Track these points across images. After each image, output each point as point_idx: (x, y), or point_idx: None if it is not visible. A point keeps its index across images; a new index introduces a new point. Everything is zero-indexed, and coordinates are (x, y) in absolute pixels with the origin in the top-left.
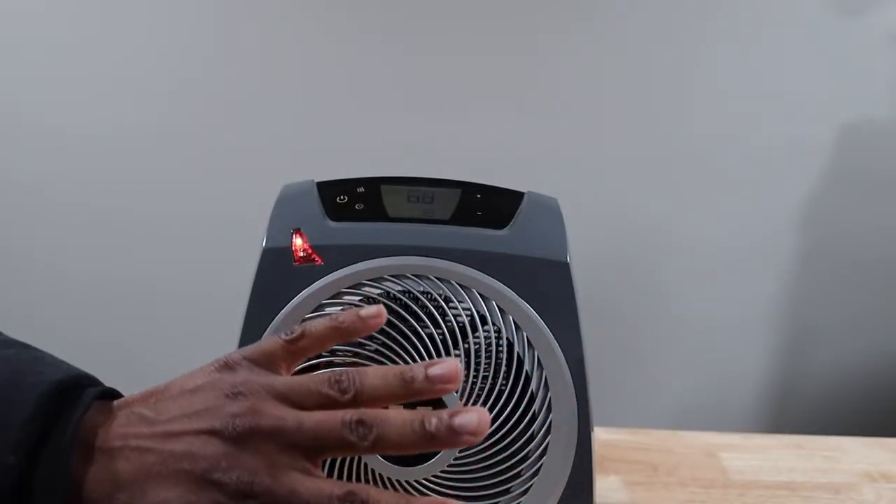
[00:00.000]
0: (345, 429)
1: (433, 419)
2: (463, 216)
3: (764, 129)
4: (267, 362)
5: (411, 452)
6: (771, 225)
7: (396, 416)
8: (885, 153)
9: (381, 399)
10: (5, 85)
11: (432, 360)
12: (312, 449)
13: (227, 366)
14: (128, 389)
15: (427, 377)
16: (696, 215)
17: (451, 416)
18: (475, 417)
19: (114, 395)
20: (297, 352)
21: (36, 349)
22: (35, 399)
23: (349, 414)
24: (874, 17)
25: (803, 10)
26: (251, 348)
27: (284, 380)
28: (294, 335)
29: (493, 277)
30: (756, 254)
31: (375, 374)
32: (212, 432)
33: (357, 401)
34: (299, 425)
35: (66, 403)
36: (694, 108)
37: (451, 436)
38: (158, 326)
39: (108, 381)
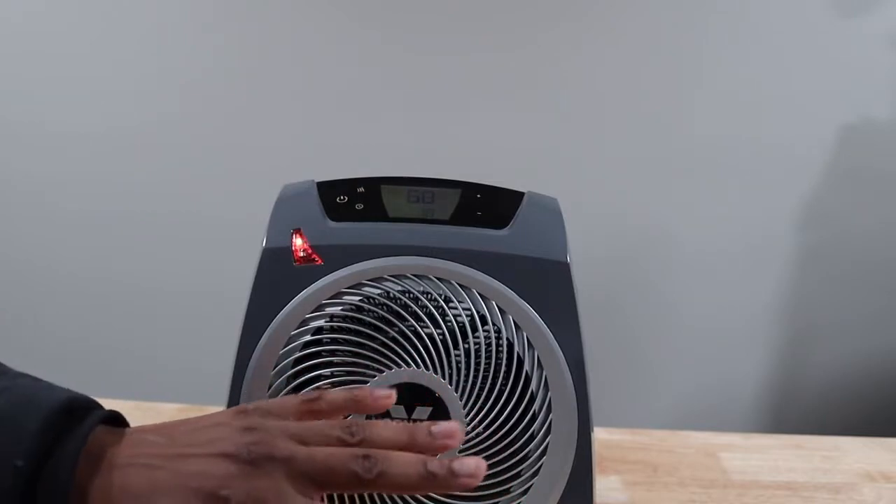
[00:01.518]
0: (353, 461)
1: (435, 461)
2: (463, 216)
3: (764, 129)
4: (280, 414)
5: (412, 492)
6: (771, 225)
7: (402, 456)
8: (885, 153)
9: (386, 445)
10: (5, 85)
11: (436, 421)
12: (321, 480)
13: (241, 411)
14: (128, 389)
15: (430, 432)
16: (696, 215)
17: (452, 460)
18: (472, 463)
19: (121, 420)
20: (312, 412)
21: (48, 382)
22: (46, 413)
23: (358, 449)
24: (874, 17)
25: (803, 11)
26: (267, 401)
27: (297, 423)
28: (312, 397)
29: (493, 277)
30: (756, 254)
31: (385, 426)
32: (225, 455)
33: (364, 444)
34: (310, 455)
35: (76, 417)
36: (694, 109)
37: (450, 478)
38: (158, 326)
39: (109, 380)
